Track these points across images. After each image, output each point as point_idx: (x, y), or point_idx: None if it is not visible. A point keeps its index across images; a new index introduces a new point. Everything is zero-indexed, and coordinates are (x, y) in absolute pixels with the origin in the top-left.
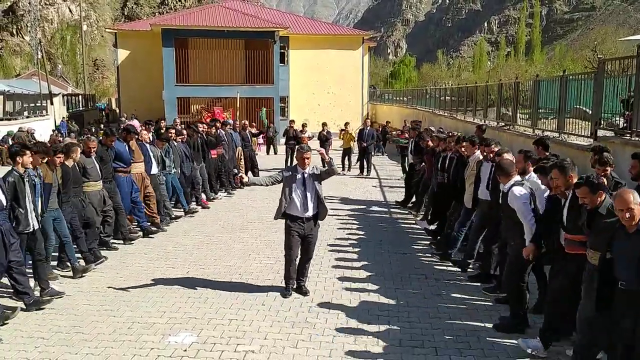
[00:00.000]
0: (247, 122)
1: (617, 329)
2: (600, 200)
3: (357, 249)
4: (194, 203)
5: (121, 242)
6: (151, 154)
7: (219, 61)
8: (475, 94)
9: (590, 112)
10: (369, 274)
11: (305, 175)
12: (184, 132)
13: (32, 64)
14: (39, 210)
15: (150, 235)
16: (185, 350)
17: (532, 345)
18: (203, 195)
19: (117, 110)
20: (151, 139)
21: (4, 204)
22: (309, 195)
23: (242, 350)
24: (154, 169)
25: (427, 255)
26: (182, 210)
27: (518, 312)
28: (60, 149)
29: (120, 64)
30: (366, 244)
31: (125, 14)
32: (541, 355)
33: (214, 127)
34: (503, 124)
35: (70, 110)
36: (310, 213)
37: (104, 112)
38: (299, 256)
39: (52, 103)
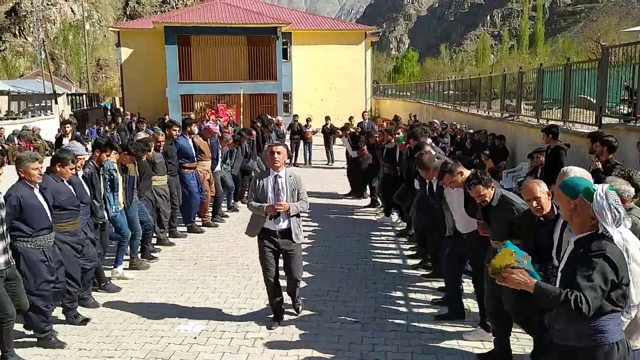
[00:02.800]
0: (280, 119)
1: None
2: (493, 193)
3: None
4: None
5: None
6: (219, 153)
7: (222, 58)
8: (479, 86)
9: (594, 101)
10: (377, 264)
11: (280, 180)
12: (252, 132)
13: (36, 64)
14: (119, 205)
15: (198, 232)
16: (195, 338)
17: (476, 334)
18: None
19: (122, 109)
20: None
21: (90, 197)
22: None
23: (251, 337)
24: (217, 167)
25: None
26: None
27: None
28: (140, 149)
29: (123, 62)
30: (373, 236)
31: (127, 13)
32: (488, 339)
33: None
34: (507, 114)
35: (74, 110)
36: (283, 225)
37: (110, 111)
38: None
39: (56, 102)
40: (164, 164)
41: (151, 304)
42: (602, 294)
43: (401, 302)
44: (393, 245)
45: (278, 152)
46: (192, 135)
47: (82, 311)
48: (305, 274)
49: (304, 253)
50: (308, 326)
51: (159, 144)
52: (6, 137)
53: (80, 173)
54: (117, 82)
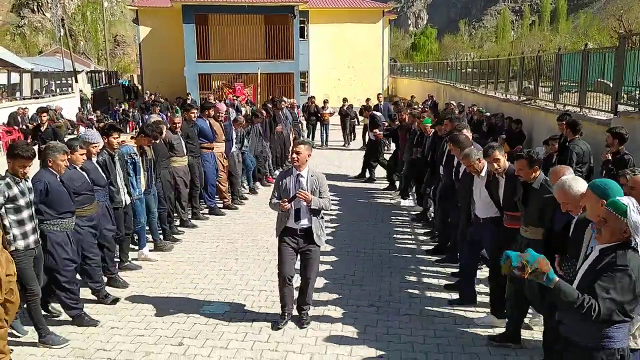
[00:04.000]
0: (294, 101)
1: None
2: (535, 176)
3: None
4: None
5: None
6: (233, 135)
7: (239, 37)
8: (497, 66)
9: (612, 85)
10: (392, 249)
11: (301, 179)
12: (263, 112)
13: (54, 41)
14: (142, 187)
15: (218, 214)
16: (219, 319)
17: (487, 320)
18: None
19: (140, 87)
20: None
21: (106, 181)
22: (303, 202)
23: (272, 320)
24: (233, 149)
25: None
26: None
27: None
28: (154, 130)
29: (142, 40)
30: (388, 220)
31: None
32: (499, 325)
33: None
34: (525, 98)
35: (94, 88)
36: (305, 224)
37: (132, 89)
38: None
39: (76, 81)
40: (182, 145)
41: (177, 284)
42: (616, 307)
43: (416, 286)
44: (408, 230)
45: (297, 152)
46: (209, 118)
47: (113, 292)
48: (323, 258)
49: (327, 235)
50: (326, 309)
51: (174, 125)
52: (30, 117)
53: (94, 159)
54: (134, 59)
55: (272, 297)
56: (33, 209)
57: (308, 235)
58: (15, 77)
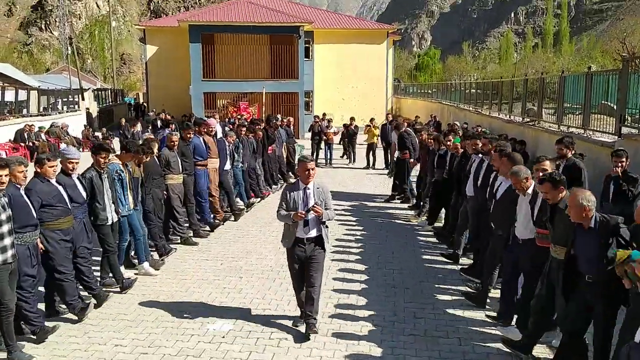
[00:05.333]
0: (292, 119)
1: (585, 315)
2: (561, 196)
3: (380, 241)
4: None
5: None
6: (227, 151)
7: (245, 56)
8: (501, 88)
9: (615, 107)
10: (396, 268)
11: (308, 191)
12: (259, 133)
13: (62, 59)
14: (130, 204)
15: (215, 229)
16: (223, 337)
17: (511, 331)
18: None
19: (146, 105)
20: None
21: (85, 198)
22: (311, 214)
23: (276, 338)
24: (227, 165)
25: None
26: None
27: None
28: (146, 148)
29: (148, 59)
30: (392, 239)
31: (152, 8)
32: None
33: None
34: (528, 119)
35: (100, 105)
36: (313, 234)
37: (140, 107)
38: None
39: (83, 98)
40: (179, 163)
41: (181, 302)
42: None
43: (421, 306)
44: (420, 249)
45: (312, 169)
46: (203, 134)
47: (107, 307)
48: (331, 275)
49: (332, 254)
50: (331, 328)
51: (172, 143)
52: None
53: (75, 175)
54: (140, 77)
55: (276, 317)
56: (12, 223)
57: (315, 242)
58: (22, 95)
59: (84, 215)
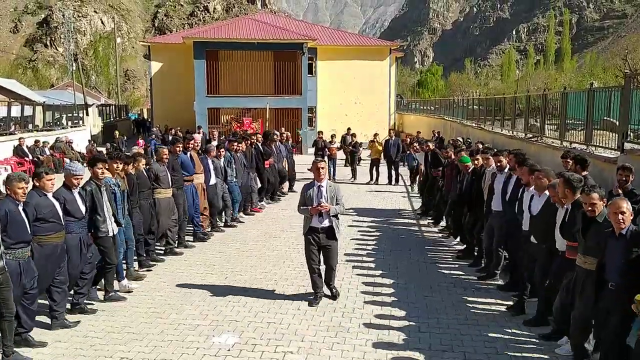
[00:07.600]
0: (289, 134)
1: (605, 324)
2: (599, 211)
3: (385, 257)
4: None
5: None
6: (211, 166)
7: (249, 73)
8: (503, 104)
9: (618, 123)
10: (397, 281)
11: (322, 188)
12: (243, 143)
13: (67, 75)
14: (120, 218)
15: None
16: (228, 350)
17: (564, 350)
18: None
19: (150, 121)
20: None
21: (83, 213)
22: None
23: (281, 352)
24: (212, 180)
25: (453, 263)
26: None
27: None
28: (129, 159)
29: (153, 75)
30: (396, 253)
31: (156, 25)
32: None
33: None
34: (531, 135)
35: (104, 121)
36: (326, 224)
37: (144, 123)
38: (323, 266)
39: (87, 114)
40: (169, 177)
41: (186, 315)
42: None
43: (426, 320)
44: (437, 263)
45: (322, 167)
46: (190, 150)
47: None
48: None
49: (354, 263)
50: (335, 341)
51: (164, 156)
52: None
53: (76, 190)
54: (144, 93)
55: (280, 330)
56: (2, 235)
57: (328, 232)
58: (28, 110)
59: (81, 230)
